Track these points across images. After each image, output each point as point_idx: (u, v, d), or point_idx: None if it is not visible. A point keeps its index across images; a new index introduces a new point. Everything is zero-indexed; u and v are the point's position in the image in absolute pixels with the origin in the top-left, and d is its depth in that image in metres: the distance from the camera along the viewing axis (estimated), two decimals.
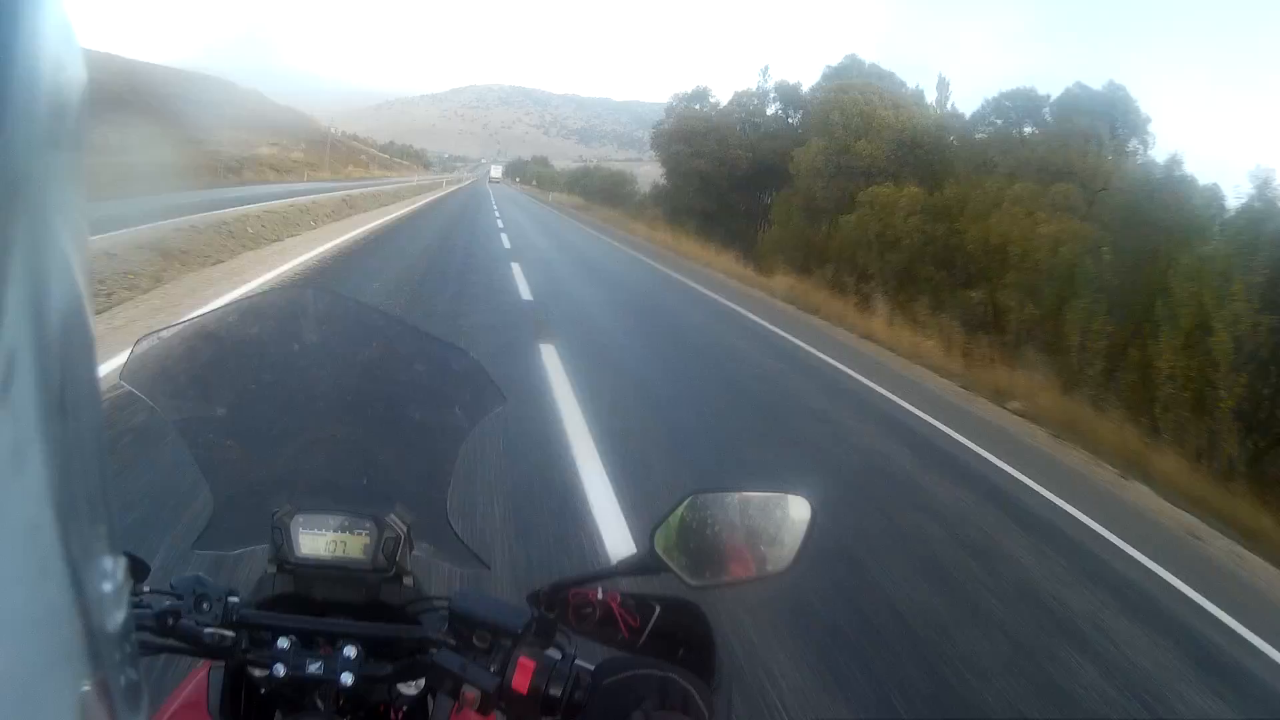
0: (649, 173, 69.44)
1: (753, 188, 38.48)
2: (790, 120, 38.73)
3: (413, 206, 34.84)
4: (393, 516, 1.17)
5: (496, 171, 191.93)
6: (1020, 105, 31.52)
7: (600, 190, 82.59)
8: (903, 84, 35.47)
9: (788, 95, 39.35)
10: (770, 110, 40.39)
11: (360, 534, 1.15)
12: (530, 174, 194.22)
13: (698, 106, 42.43)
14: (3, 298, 0.32)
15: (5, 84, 0.32)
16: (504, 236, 25.59)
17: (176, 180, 22.45)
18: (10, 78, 0.32)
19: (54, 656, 0.37)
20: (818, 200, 30.11)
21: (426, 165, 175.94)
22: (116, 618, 0.45)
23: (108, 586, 0.43)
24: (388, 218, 25.84)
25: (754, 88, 41.34)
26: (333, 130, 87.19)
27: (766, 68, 40.41)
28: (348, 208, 24.71)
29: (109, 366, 2.53)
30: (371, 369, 1.31)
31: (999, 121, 32.00)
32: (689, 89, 44.70)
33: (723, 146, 38.29)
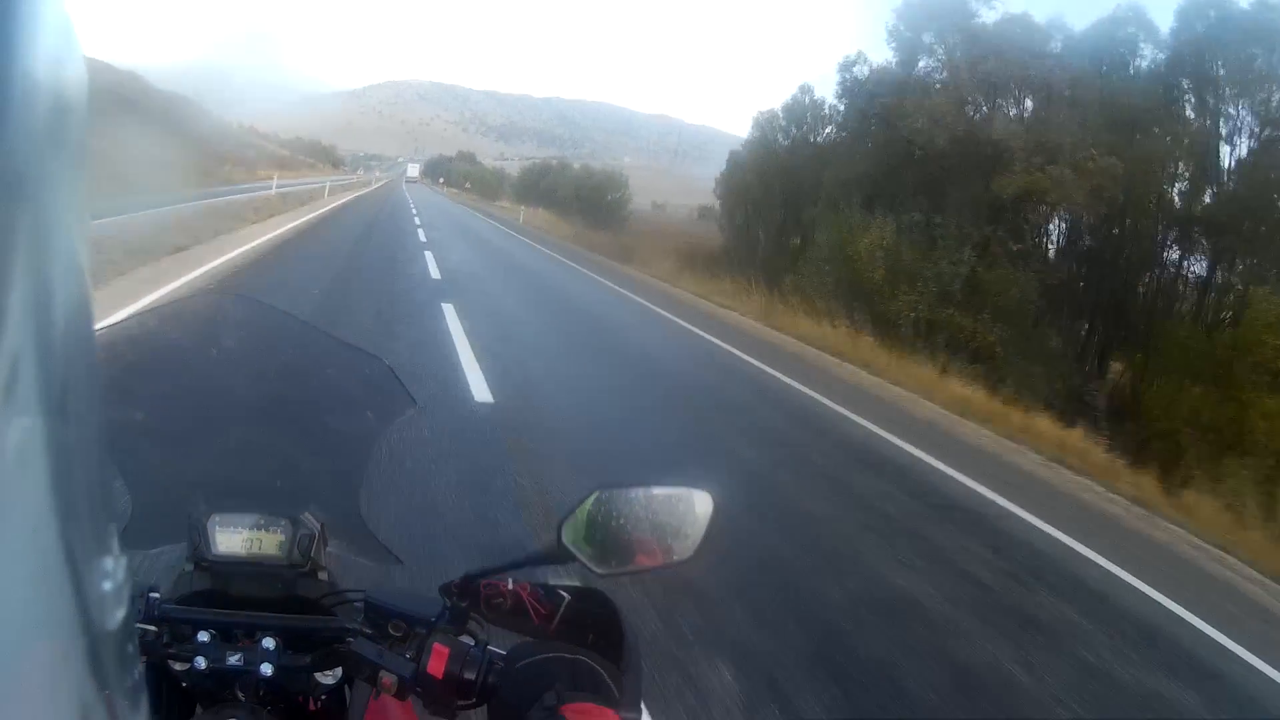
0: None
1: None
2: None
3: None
4: (307, 515, 1.21)
5: (414, 170, 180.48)
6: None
7: (575, 201, 58.11)
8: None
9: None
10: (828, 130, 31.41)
11: (275, 531, 1.19)
12: (457, 173, 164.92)
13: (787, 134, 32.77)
14: (6, 300, 0.32)
15: (6, 84, 0.32)
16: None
17: None
18: (11, 77, 0.33)
19: (56, 656, 0.38)
20: None
21: (336, 164, 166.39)
22: (117, 617, 0.46)
23: (108, 586, 0.44)
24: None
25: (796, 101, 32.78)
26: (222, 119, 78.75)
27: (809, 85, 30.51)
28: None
29: None
30: (287, 374, 1.36)
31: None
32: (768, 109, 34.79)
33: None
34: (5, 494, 0.33)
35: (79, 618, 0.39)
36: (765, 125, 33.83)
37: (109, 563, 0.44)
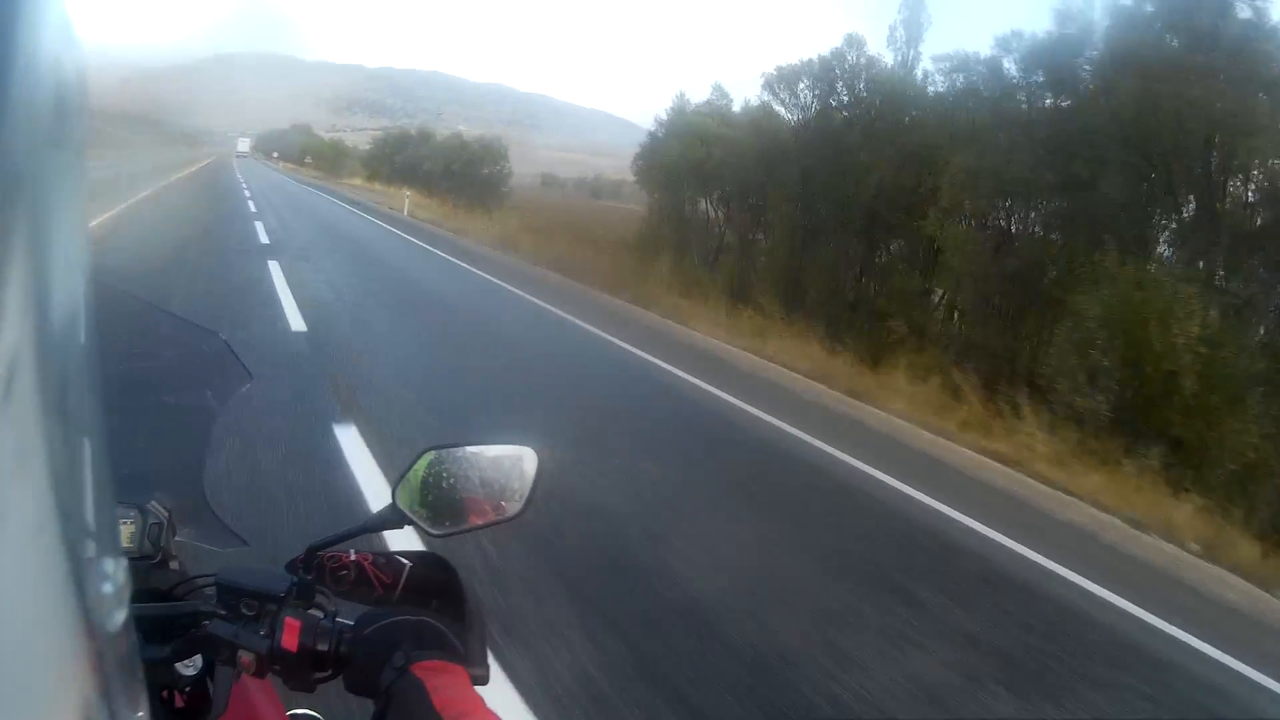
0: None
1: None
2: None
3: None
4: (154, 503, 1.21)
5: (244, 145, 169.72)
6: None
7: (446, 177, 49.99)
8: None
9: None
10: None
11: (126, 523, 1.18)
12: (295, 147, 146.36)
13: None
14: (5, 302, 0.32)
15: (6, 84, 0.32)
16: None
17: None
18: (11, 77, 0.33)
19: (56, 656, 0.39)
20: None
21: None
22: (117, 618, 0.48)
23: (108, 588, 0.46)
24: None
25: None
26: None
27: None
28: None
29: None
30: (124, 354, 1.32)
31: None
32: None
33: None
34: (5, 494, 0.33)
35: (79, 618, 0.39)
36: (782, 87, 24.30)
37: (109, 564, 0.46)
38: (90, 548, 0.42)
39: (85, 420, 0.42)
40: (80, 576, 0.39)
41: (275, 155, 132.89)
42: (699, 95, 32.30)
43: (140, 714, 0.51)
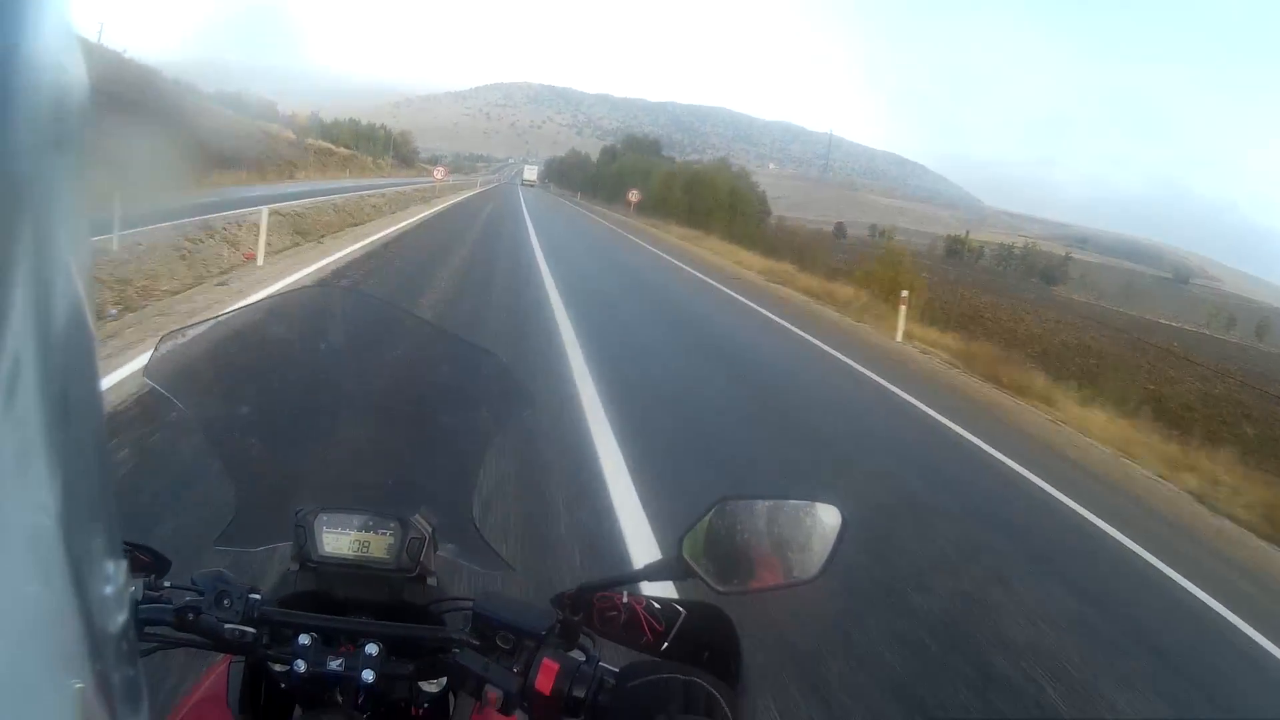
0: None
1: None
2: None
3: None
4: (417, 517, 1.22)
5: (531, 173, 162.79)
6: None
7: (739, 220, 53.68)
8: None
9: None
10: None
11: (384, 534, 1.20)
12: (587, 180, 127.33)
13: None
14: (8, 303, 0.33)
15: (8, 87, 0.33)
16: None
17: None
18: (13, 81, 0.34)
19: (56, 657, 0.39)
20: None
21: (406, 162, 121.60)
22: (117, 619, 0.48)
23: (108, 589, 0.46)
24: None
25: None
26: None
27: None
28: None
29: None
30: (398, 369, 1.38)
31: None
32: None
33: None
34: (7, 497, 0.34)
35: (81, 619, 0.40)
36: None
37: (109, 565, 0.46)
38: (91, 549, 0.43)
39: (86, 422, 0.43)
40: (81, 577, 0.40)
41: (579, 197, 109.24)
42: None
43: (140, 715, 0.51)
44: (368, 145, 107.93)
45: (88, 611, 0.40)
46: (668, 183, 77.46)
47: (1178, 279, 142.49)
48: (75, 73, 0.40)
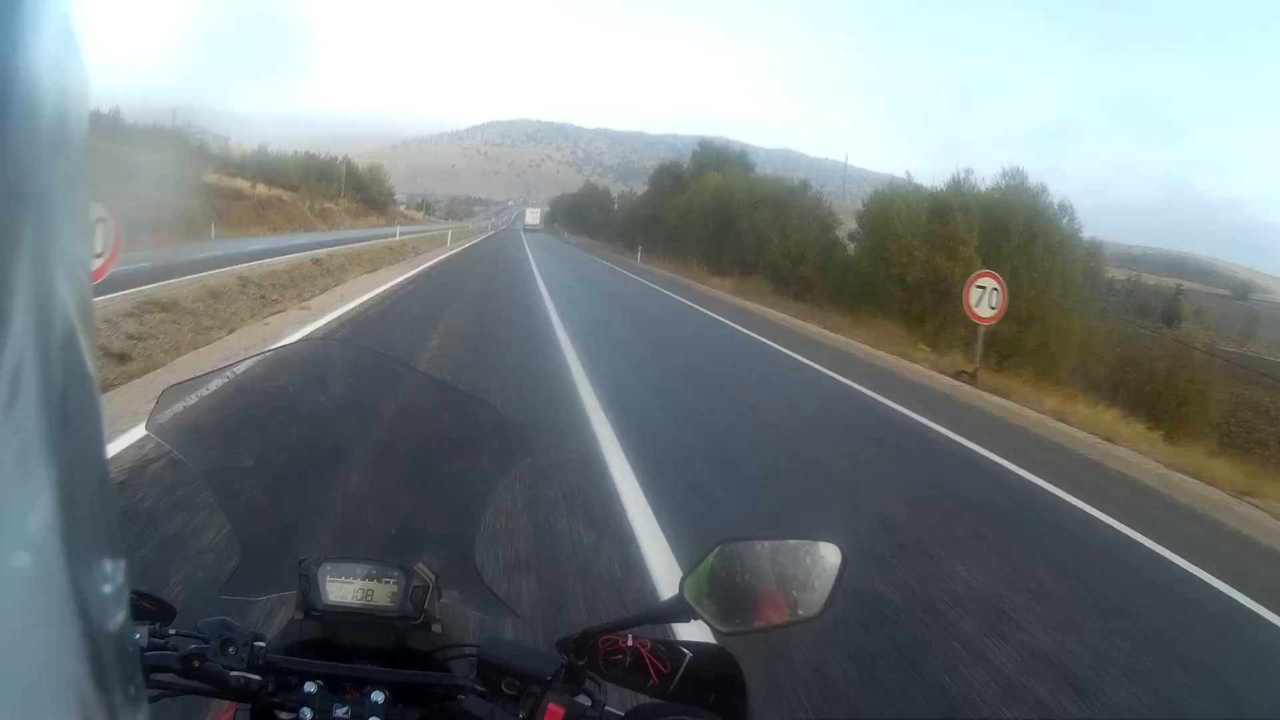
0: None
1: None
2: None
3: None
4: (421, 565, 1.25)
5: (533, 217, 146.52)
6: None
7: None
8: None
9: None
10: None
11: (388, 582, 1.22)
12: (592, 219, 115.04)
13: None
14: (8, 306, 0.33)
15: (8, 90, 0.34)
16: None
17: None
18: (14, 84, 0.34)
19: (57, 658, 0.40)
20: None
21: (380, 207, 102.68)
22: (117, 620, 0.49)
23: (109, 590, 0.46)
24: None
25: None
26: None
27: None
28: None
29: None
30: (398, 420, 1.41)
31: None
32: None
33: None
34: (7, 500, 0.35)
35: (80, 621, 0.40)
36: None
37: (108, 566, 0.47)
38: (91, 552, 0.43)
39: (86, 427, 0.44)
40: (81, 580, 0.40)
41: (606, 250, 79.01)
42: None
43: (140, 716, 0.52)
44: (321, 184, 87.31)
45: (88, 612, 0.41)
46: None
47: (1236, 295, 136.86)
48: (76, 76, 0.40)
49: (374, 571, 1.21)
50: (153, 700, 1.07)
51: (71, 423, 0.39)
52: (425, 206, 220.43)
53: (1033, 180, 25.80)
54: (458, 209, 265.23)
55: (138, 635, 1.09)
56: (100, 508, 0.45)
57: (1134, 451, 11.65)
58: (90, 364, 0.44)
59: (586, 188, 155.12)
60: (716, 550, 1.16)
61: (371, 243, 35.02)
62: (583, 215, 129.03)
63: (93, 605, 0.42)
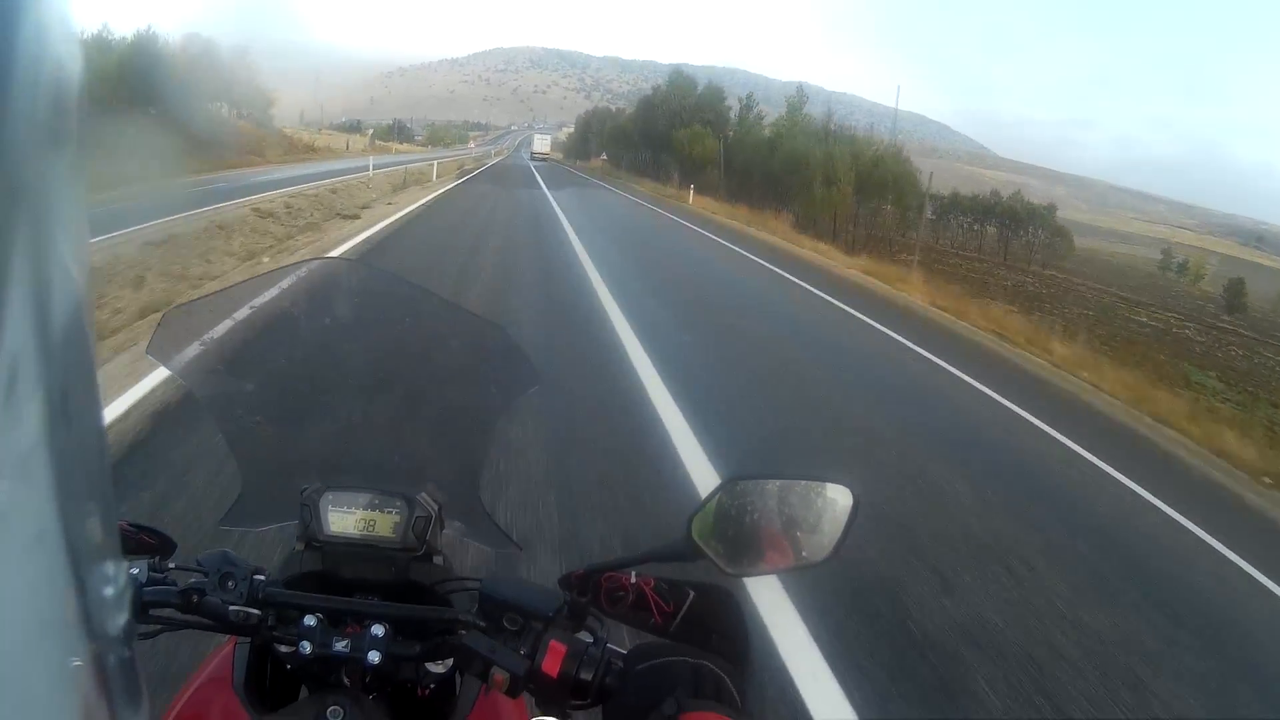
0: None
1: None
2: None
3: None
4: (424, 495, 1.26)
5: (543, 144, 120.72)
6: None
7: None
8: None
9: None
10: None
11: (390, 512, 1.23)
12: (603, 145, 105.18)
13: None
14: (6, 301, 0.33)
15: (6, 83, 0.34)
16: None
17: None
18: (11, 77, 0.34)
19: (58, 658, 0.41)
20: None
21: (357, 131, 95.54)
22: (119, 621, 0.51)
23: (110, 591, 0.48)
24: None
25: None
26: None
27: None
28: None
29: None
30: (405, 345, 1.41)
31: None
32: None
33: None
34: (7, 499, 0.35)
35: (81, 621, 0.41)
36: None
37: (110, 567, 0.48)
38: (92, 552, 0.43)
39: (86, 423, 0.44)
40: (82, 579, 0.41)
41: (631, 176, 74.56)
42: None
43: (140, 716, 0.53)
44: None
45: (89, 613, 0.41)
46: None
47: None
48: (73, 68, 0.40)
49: (376, 501, 1.22)
50: (151, 635, 1.09)
51: (72, 419, 0.39)
52: (398, 130, 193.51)
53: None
54: (443, 134, 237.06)
55: (136, 570, 1.10)
56: (101, 505, 0.46)
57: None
58: (90, 360, 0.45)
59: (594, 111, 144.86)
60: (725, 488, 1.16)
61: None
62: (609, 141, 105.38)
63: (94, 606, 0.42)
